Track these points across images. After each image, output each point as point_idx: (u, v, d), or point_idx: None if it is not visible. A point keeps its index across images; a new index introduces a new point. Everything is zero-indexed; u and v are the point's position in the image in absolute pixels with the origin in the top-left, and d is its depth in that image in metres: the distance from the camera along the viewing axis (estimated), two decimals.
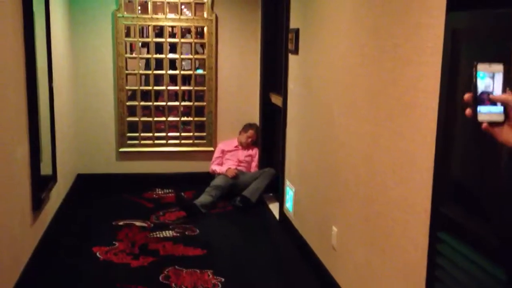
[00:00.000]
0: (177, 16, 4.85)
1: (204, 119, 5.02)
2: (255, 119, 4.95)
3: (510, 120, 0.96)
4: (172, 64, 5.26)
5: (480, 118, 0.97)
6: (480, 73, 0.97)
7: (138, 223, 3.95)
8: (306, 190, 3.43)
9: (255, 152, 4.89)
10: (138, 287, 2.93)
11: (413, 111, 1.93)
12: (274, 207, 4.30)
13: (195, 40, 5.05)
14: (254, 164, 4.87)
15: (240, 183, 4.57)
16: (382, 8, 2.21)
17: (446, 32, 1.69)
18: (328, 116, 2.93)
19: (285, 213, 3.93)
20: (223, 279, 3.04)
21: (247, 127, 4.89)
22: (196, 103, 5.02)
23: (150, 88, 4.94)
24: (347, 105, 2.64)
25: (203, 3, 4.81)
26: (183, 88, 5.07)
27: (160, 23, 4.84)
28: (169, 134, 5.01)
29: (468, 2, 1.59)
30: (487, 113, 0.97)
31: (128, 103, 4.86)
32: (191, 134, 5.05)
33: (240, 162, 4.81)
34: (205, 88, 4.97)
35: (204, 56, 4.96)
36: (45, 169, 3.39)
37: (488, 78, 0.97)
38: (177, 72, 5.02)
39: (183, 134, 5.05)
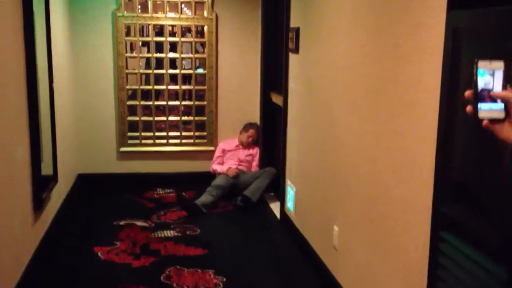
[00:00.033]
0: (177, 15, 4.84)
1: (205, 118, 5.01)
2: (256, 118, 4.95)
3: (510, 117, 0.96)
4: (173, 63, 5.26)
5: (481, 115, 0.98)
6: (480, 70, 0.98)
7: (139, 223, 3.95)
8: (307, 190, 3.42)
9: (255, 151, 4.88)
10: (139, 287, 2.93)
11: (414, 110, 1.93)
12: (275, 207, 4.30)
13: (195, 39, 5.04)
14: (255, 163, 4.86)
15: (241, 182, 4.56)
16: (382, 7, 2.20)
17: (446, 31, 1.69)
18: (329, 116, 2.93)
19: (286, 213, 3.93)
20: (224, 279, 3.04)
21: (248, 126, 4.88)
22: (196, 103, 5.02)
23: (150, 87, 4.94)
24: (348, 104, 2.63)
25: (203, 2, 4.80)
26: (183, 87, 5.06)
27: (160, 22, 4.83)
28: (170, 133, 5.01)
29: (469, 1, 1.58)
30: (488, 110, 0.97)
31: (128, 103, 4.86)
32: (191, 133, 5.04)
33: (241, 162, 4.81)
34: (205, 87, 4.96)
35: (205, 55, 4.95)
36: (46, 169, 3.39)
37: (489, 75, 0.98)
38: (177, 71, 5.02)
39: (183, 133, 5.05)
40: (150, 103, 4.94)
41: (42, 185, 3.23)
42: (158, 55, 4.94)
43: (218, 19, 4.83)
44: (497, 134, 0.98)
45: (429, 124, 1.80)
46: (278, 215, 4.13)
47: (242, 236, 3.87)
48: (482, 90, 0.98)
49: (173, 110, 5.17)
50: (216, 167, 4.75)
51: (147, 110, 5.05)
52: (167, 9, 4.77)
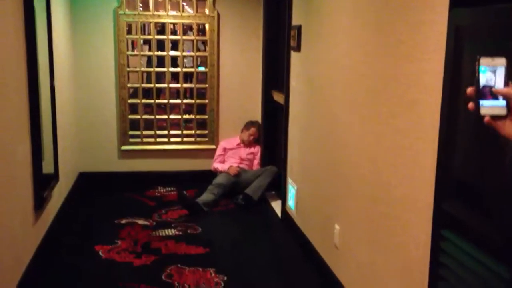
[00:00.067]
0: (179, 13, 4.83)
1: (206, 117, 5.00)
2: (257, 116, 4.94)
3: None
4: (174, 61, 5.25)
5: (483, 111, 0.98)
6: (482, 67, 0.98)
7: (140, 222, 3.95)
8: (308, 188, 3.41)
9: (257, 150, 4.87)
10: (140, 286, 2.93)
11: (415, 109, 1.92)
12: (276, 205, 4.30)
13: (197, 37, 5.03)
14: (256, 162, 4.86)
15: (242, 181, 4.56)
16: (384, 5, 2.19)
17: (449, 28, 1.67)
18: (330, 114, 2.92)
19: (287, 211, 3.92)
20: (225, 278, 3.04)
21: (249, 124, 4.87)
22: (198, 101, 5.01)
23: (151, 85, 4.93)
24: (349, 103, 2.62)
25: (205, 0, 4.79)
26: (184, 85, 5.05)
27: (162, 20, 4.82)
28: (171, 132, 5.00)
29: None
30: (490, 106, 0.97)
31: (129, 101, 4.85)
32: (193, 132, 5.04)
33: (242, 160, 4.80)
34: (207, 85, 4.95)
35: (206, 54, 4.94)
36: (47, 167, 3.38)
37: (491, 72, 0.98)
38: (179, 69, 5.01)
39: (185, 132, 5.04)
40: (152, 101, 4.94)
41: (43, 183, 3.23)
42: (160, 53, 4.93)
43: (220, 17, 4.82)
44: (499, 131, 0.98)
45: (431, 123, 1.79)
46: (279, 213, 4.12)
47: (243, 234, 3.86)
48: (484, 87, 0.98)
49: (174, 108, 5.16)
50: (217, 165, 4.74)
51: (148, 108, 5.04)
52: (169, 7, 4.76)
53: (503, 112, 0.97)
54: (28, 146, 2.98)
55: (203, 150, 4.99)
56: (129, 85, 4.84)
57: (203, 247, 3.49)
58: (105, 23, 4.67)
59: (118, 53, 4.71)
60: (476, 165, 1.65)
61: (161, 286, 2.93)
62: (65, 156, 4.05)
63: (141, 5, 4.83)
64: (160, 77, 5.05)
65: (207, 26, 4.88)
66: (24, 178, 2.92)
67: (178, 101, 5.04)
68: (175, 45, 5.15)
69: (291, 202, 3.82)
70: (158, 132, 4.97)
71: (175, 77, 5.40)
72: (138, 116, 4.91)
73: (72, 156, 4.48)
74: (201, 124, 5.05)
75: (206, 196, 4.32)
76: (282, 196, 4.06)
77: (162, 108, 5.15)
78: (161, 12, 4.80)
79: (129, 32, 4.89)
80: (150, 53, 5.04)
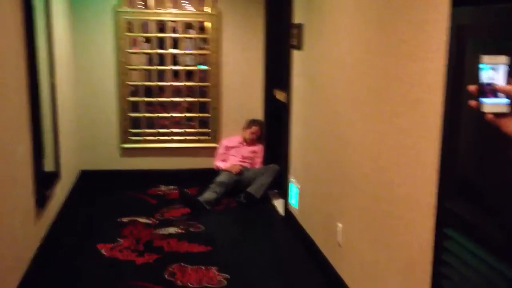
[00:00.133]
0: (180, 11, 4.81)
1: (208, 115, 4.99)
2: (260, 115, 4.93)
3: None
4: (175, 59, 5.23)
5: (485, 109, 0.99)
6: (484, 65, 0.99)
7: (142, 220, 3.94)
8: (310, 187, 3.40)
9: (259, 148, 4.86)
10: (143, 284, 2.92)
11: (419, 107, 1.91)
12: (278, 204, 4.29)
13: (198, 35, 5.01)
14: (259, 160, 4.85)
15: (244, 179, 4.55)
16: (386, 3, 2.17)
17: (451, 27, 1.67)
18: (332, 113, 2.91)
19: (289, 210, 3.91)
20: (228, 276, 3.03)
21: (251, 123, 4.86)
22: (200, 99, 4.99)
23: (153, 83, 4.92)
24: (352, 102, 2.61)
25: None
26: (186, 83, 5.03)
27: (162, 18, 4.80)
28: (173, 130, 4.99)
29: None
30: (492, 104, 0.99)
31: (131, 99, 4.84)
32: (195, 130, 5.02)
33: (244, 158, 4.79)
34: (208, 84, 4.94)
35: (207, 52, 4.93)
36: (49, 165, 3.37)
37: (493, 70, 0.99)
38: (180, 67, 4.99)
39: (187, 130, 5.03)
40: (153, 99, 4.92)
41: (44, 182, 3.22)
42: (160, 51, 4.91)
43: (221, 15, 4.80)
44: (502, 128, 0.99)
45: (434, 122, 1.79)
46: (281, 212, 4.11)
47: (246, 233, 3.86)
48: (486, 84, 0.99)
49: (176, 106, 5.15)
50: (219, 164, 4.73)
51: (149, 106, 5.03)
52: (169, 5, 4.74)
53: (505, 109, 0.98)
54: (29, 145, 2.97)
55: (205, 148, 4.99)
56: (130, 83, 4.83)
57: (205, 245, 3.48)
58: (105, 21, 4.66)
59: (118, 51, 4.70)
60: (479, 164, 1.64)
61: (164, 285, 2.92)
62: (66, 154, 4.04)
63: (142, 3, 4.81)
64: (161, 76, 5.04)
65: (208, 24, 4.85)
66: (25, 177, 2.91)
67: (180, 99, 5.03)
68: (176, 43, 5.12)
69: (293, 201, 3.81)
70: (160, 131, 4.96)
71: (176, 75, 5.37)
72: (139, 114, 4.90)
73: (73, 154, 4.48)
74: (203, 123, 5.04)
75: (208, 195, 4.31)
76: (284, 194, 4.04)
77: (163, 106, 5.14)
78: (162, 10, 4.79)
79: (129, 30, 4.86)
80: (151, 51, 5.03)
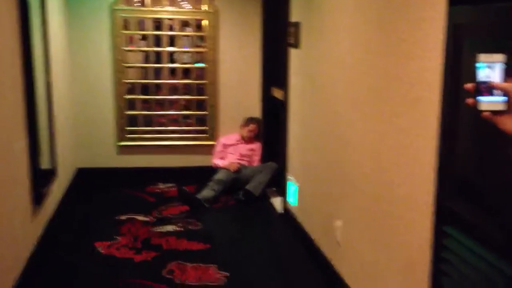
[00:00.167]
0: (176, 9, 4.79)
1: (206, 112, 4.97)
2: (257, 112, 4.92)
3: (511, 109, 0.98)
4: (172, 57, 5.21)
5: (482, 107, 1.00)
6: (481, 63, 1.00)
7: (140, 218, 3.92)
8: (309, 185, 3.40)
9: (256, 146, 4.85)
10: (141, 282, 2.90)
11: (417, 106, 1.91)
12: (276, 201, 4.28)
13: (195, 33, 4.99)
14: (257, 158, 4.83)
15: (242, 177, 4.53)
16: (386, 1, 2.16)
17: (447, 26, 1.68)
18: (332, 111, 2.89)
19: (288, 207, 3.90)
20: (227, 274, 3.02)
21: (248, 120, 4.85)
22: (197, 97, 4.97)
23: (149, 81, 4.89)
24: (352, 101, 2.59)
25: None
26: (183, 81, 5.01)
27: (159, 16, 4.78)
28: (170, 128, 4.97)
29: None
30: (488, 102, 0.99)
31: (127, 97, 4.82)
32: (192, 128, 5.01)
33: (242, 156, 4.78)
34: (206, 81, 4.92)
35: (204, 49, 4.91)
36: (45, 163, 3.35)
37: (489, 69, 1.00)
38: (177, 65, 4.97)
39: (184, 128, 5.01)
40: (150, 97, 4.90)
41: (41, 179, 3.20)
42: (157, 49, 4.89)
43: (218, 13, 4.78)
44: (498, 126, 1.00)
45: (431, 120, 1.79)
46: (280, 209, 4.10)
47: (244, 230, 3.85)
48: (483, 83, 1.00)
49: (172, 104, 5.13)
50: (217, 161, 4.72)
51: (146, 104, 5.01)
52: (166, 3, 4.72)
53: (501, 107, 0.99)
54: (25, 143, 2.95)
55: (203, 146, 4.97)
56: (126, 80, 4.81)
57: (204, 243, 3.47)
58: (101, 18, 4.64)
59: (115, 49, 4.67)
60: (477, 161, 1.65)
61: (163, 282, 2.90)
62: (63, 152, 4.02)
63: (139, 1, 4.79)
64: (158, 73, 5.01)
65: (205, 22, 4.83)
66: (21, 175, 2.89)
67: (177, 97, 5.01)
68: (172, 41, 5.11)
69: (291, 199, 3.79)
70: (157, 128, 4.94)
71: (173, 73, 5.36)
72: (136, 112, 4.87)
73: (70, 151, 4.45)
74: (201, 120, 5.02)
75: (207, 192, 4.30)
76: (282, 192, 4.03)
77: (160, 104, 5.12)
78: (158, 8, 4.76)
79: (125, 27, 4.83)
80: (147, 49, 5.01)
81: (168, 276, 2.98)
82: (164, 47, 4.85)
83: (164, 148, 4.96)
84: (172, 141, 4.97)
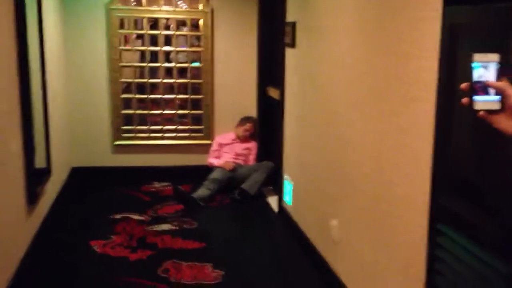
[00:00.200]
0: (172, 8, 4.78)
1: (201, 112, 4.97)
2: (253, 112, 4.92)
3: (506, 108, 0.99)
4: (168, 56, 5.20)
5: (477, 106, 1.00)
6: (476, 63, 1.00)
7: (135, 217, 3.92)
8: (305, 184, 3.40)
9: (252, 145, 4.86)
10: (137, 281, 2.89)
11: (414, 106, 1.92)
12: (272, 200, 4.28)
13: (191, 33, 4.99)
14: (252, 157, 4.84)
15: (238, 176, 4.54)
16: (384, 1, 2.16)
17: (443, 26, 1.68)
18: (330, 111, 2.89)
19: (283, 206, 3.90)
20: (223, 272, 3.02)
21: (244, 120, 4.86)
22: (192, 96, 4.97)
23: (145, 80, 4.89)
24: (350, 100, 2.59)
25: None
26: (179, 81, 5.01)
27: (155, 15, 4.77)
28: (166, 127, 4.96)
29: None
30: (483, 101, 1.00)
31: (123, 96, 4.81)
32: (187, 127, 5.00)
33: (237, 155, 4.78)
34: (201, 81, 4.92)
35: (200, 49, 4.90)
36: (40, 162, 3.34)
37: (484, 68, 1.00)
38: (172, 64, 4.97)
39: (179, 127, 5.00)
40: (145, 96, 4.89)
41: (35, 178, 3.19)
42: (153, 48, 4.88)
43: (214, 12, 4.78)
44: (493, 125, 1.01)
45: (428, 120, 1.80)
46: (275, 208, 4.10)
47: (240, 229, 3.85)
48: (478, 82, 1.00)
49: (168, 103, 5.12)
50: (212, 160, 4.72)
51: (142, 103, 5.00)
52: (162, 2, 4.71)
53: (496, 106, 0.99)
54: (20, 141, 2.94)
55: (198, 145, 4.97)
56: (122, 79, 4.80)
57: (199, 242, 3.47)
58: (97, 17, 4.63)
59: (110, 48, 4.66)
60: (473, 160, 1.66)
61: (158, 281, 2.90)
62: (57, 151, 4.01)
63: (135, 1, 4.78)
64: (153, 72, 5.01)
65: (201, 21, 4.83)
66: (16, 173, 2.88)
67: (172, 96, 5.00)
68: (168, 41, 5.10)
69: (287, 197, 3.80)
70: (152, 127, 4.93)
71: (169, 72, 5.35)
72: (131, 111, 4.86)
73: (65, 150, 4.44)
74: (196, 119, 5.02)
75: (202, 191, 4.30)
76: (278, 191, 4.04)
77: (156, 103, 5.11)
78: (154, 7, 4.75)
79: (121, 27, 4.82)
80: (143, 48, 5.00)
81: (163, 275, 2.98)
82: (160, 47, 4.84)
83: (160, 147, 4.96)
84: (167, 140, 4.97)
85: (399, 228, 2.07)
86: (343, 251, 2.71)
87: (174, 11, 4.79)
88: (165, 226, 3.74)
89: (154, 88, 5.06)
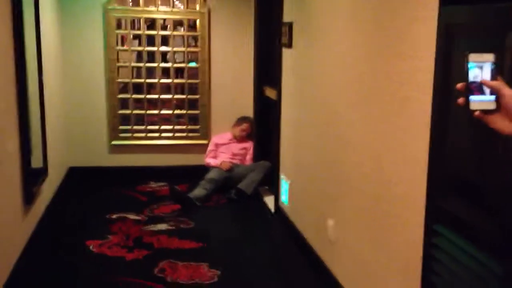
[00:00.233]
0: (169, 9, 4.78)
1: (198, 112, 4.97)
2: (250, 112, 4.93)
3: (501, 108, 0.99)
4: (164, 56, 5.20)
5: (472, 106, 1.00)
6: (471, 63, 1.00)
7: (132, 216, 3.92)
8: (302, 184, 3.41)
9: (249, 145, 4.86)
10: (133, 281, 2.89)
11: (412, 106, 1.92)
12: (269, 200, 4.28)
13: (188, 33, 4.99)
14: (249, 157, 4.84)
15: (234, 176, 4.54)
16: (383, 1, 2.16)
17: (439, 26, 1.69)
18: (329, 111, 2.89)
19: (280, 206, 3.91)
20: (219, 272, 3.02)
21: (241, 120, 4.86)
22: (189, 96, 4.98)
23: (142, 80, 4.89)
24: (350, 100, 2.59)
25: None
26: (176, 81, 5.01)
27: (152, 16, 4.77)
28: (162, 127, 4.96)
29: None
30: (479, 101, 1.00)
31: (120, 96, 4.81)
32: (184, 127, 5.00)
33: (234, 155, 4.78)
34: (198, 81, 4.92)
35: (197, 49, 4.91)
36: (36, 162, 3.33)
37: (480, 68, 1.00)
38: (169, 65, 4.97)
39: (176, 127, 5.00)
40: (142, 96, 4.89)
41: (32, 178, 3.18)
42: (150, 48, 4.88)
43: (211, 12, 4.79)
44: (489, 125, 1.01)
45: (424, 120, 1.80)
46: (272, 208, 4.11)
47: (236, 229, 3.85)
48: (473, 82, 1.00)
49: (165, 103, 5.12)
50: (209, 160, 4.72)
51: (139, 103, 5.00)
52: (159, 3, 4.72)
53: (492, 106, 0.99)
54: (17, 141, 2.94)
55: (195, 145, 4.97)
56: (119, 80, 4.79)
57: (196, 242, 3.47)
58: (94, 17, 4.63)
59: (107, 48, 4.66)
60: (469, 160, 1.66)
61: (154, 281, 2.90)
62: (54, 151, 4.00)
63: (130, 1, 4.78)
64: (150, 72, 5.01)
65: (198, 21, 4.83)
66: (12, 173, 2.87)
67: (169, 96, 5.00)
68: (165, 41, 5.11)
69: (284, 197, 3.81)
70: (149, 127, 4.93)
71: (166, 72, 5.35)
72: (128, 111, 4.86)
73: (61, 150, 4.43)
74: (193, 119, 5.02)
75: (199, 191, 4.30)
76: (275, 191, 4.04)
77: (153, 103, 5.12)
78: (151, 8, 4.75)
79: (118, 27, 4.82)
80: (140, 48, 5.00)
81: (159, 275, 2.98)
82: (157, 47, 4.84)
83: (157, 147, 4.96)
84: (164, 140, 4.97)
85: (397, 228, 2.07)
86: (340, 251, 2.71)
87: (171, 11, 4.80)
88: (162, 226, 3.74)
89: (151, 88, 5.07)
